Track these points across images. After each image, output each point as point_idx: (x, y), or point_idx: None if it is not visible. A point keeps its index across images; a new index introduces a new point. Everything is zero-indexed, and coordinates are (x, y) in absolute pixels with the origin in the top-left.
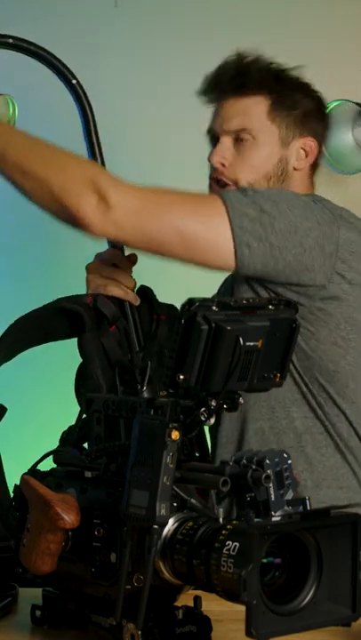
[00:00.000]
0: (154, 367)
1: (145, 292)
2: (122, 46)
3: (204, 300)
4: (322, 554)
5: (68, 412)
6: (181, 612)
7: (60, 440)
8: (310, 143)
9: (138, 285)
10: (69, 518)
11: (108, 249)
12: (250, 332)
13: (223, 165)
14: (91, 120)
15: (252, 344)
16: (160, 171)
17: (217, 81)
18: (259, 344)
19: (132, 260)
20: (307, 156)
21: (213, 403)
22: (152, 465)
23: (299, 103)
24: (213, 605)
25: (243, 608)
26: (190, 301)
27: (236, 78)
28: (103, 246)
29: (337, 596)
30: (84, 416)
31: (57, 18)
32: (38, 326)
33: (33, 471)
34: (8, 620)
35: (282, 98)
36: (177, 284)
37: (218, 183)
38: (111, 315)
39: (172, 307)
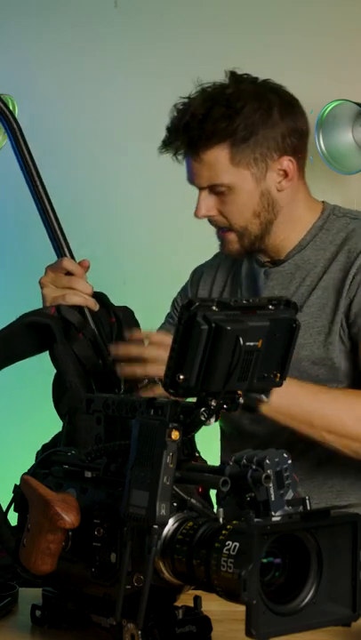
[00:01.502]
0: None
1: (100, 297)
2: (122, 46)
3: (204, 299)
4: (322, 554)
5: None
6: (181, 612)
7: (36, 459)
8: (286, 163)
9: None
10: (69, 518)
11: (60, 259)
12: (250, 332)
13: (212, 216)
14: (22, 142)
15: (252, 344)
16: (160, 170)
17: (170, 143)
18: (259, 344)
19: (85, 265)
20: (287, 176)
21: (213, 403)
22: (152, 465)
23: (258, 129)
24: (213, 605)
25: (243, 608)
26: (190, 301)
27: (186, 142)
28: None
29: (337, 596)
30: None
31: (57, 18)
32: (6, 346)
33: (33, 471)
34: (8, 619)
35: (239, 137)
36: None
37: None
38: (77, 322)
39: (126, 308)
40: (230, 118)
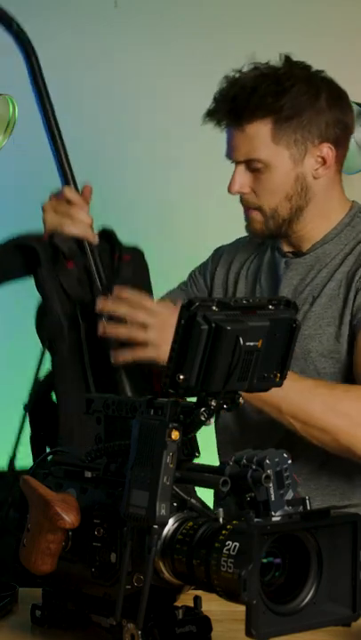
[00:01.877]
0: None
1: (106, 233)
2: (122, 46)
3: (204, 299)
4: (322, 554)
5: None
6: (181, 612)
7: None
8: (326, 150)
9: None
10: (69, 518)
11: (63, 186)
12: (250, 332)
13: (244, 193)
14: (36, 67)
15: (252, 344)
16: (161, 169)
17: (215, 112)
18: (259, 344)
19: (86, 195)
20: (325, 164)
21: (213, 403)
22: (152, 465)
23: (304, 112)
24: (213, 605)
25: (243, 608)
26: (190, 301)
27: (232, 111)
28: None
29: (337, 596)
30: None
31: (57, 18)
32: None
33: (33, 471)
34: (8, 619)
35: (283, 116)
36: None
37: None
38: (68, 251)
39: (135, 248)
40: (278, 95)
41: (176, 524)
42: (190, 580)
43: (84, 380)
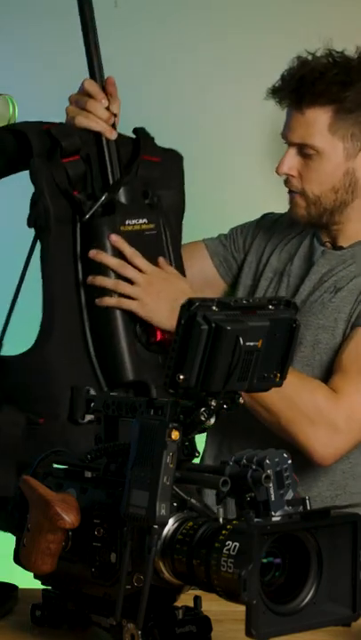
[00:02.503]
0: (122, 202)
1: (137, 133)
2: (122, 46)
3: (204, 299)
4: (322, 554)
5: None
6: (181, 612)
7: None
8: None
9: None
10: (69, 518)
11: (86, 79)
12: (250, 332)
13: (291, 176)
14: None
15: (252, 344)
16: None
17: (279, 90)
18: (259, 344)
19: (109, 88)
20: None
21: (213, 403)
22: (152, 465)
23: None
24: (213, 605)
25: (243, 608)
26: (190, 301)
27: (295, 92)
28: None
29: (337, 596)
30: None
31: (57, 18)
32: None
33: (33, 471)
34: (8, 619)
35: (345, 107)
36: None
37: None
38: (69, 144)
39: (171, 151)
40: (344, 85)
41: (176, 524)
42: (190, 580)
43: (74, 276)
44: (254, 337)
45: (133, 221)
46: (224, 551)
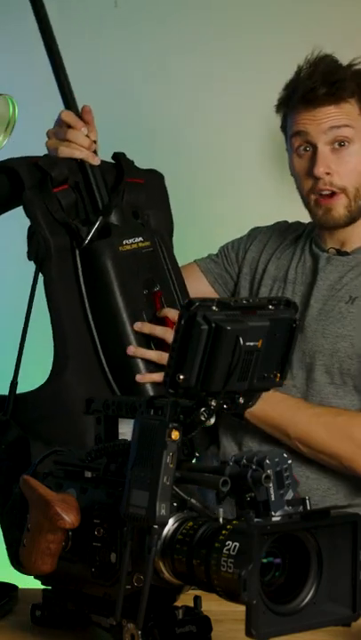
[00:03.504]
0: (116, 223)
1: (117, 157)
2: (122, 46)
3: (204, 299)
4: (322, 554)
5: None
6: (181, 612)
7: None
8: None
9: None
10: (69, 518)
11: (62, 110)
12: (250, 332)
13: (329, 174)
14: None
15: (252, 344)
16: (160, 167)
17: (311, 89)
18: (259, 344)
19: (86, 117)
20: None
21: (213, 403)
22: (152, 465)
23: None
24: (213, 605)
25: (243, 608)
26: (190, 301)
27: (333, 85)
28: None
29: (337, 596)
30: None
31: (57, 18)
32: None
33: (33, 471)
34: (8, 619)
35: None
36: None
37: (322, 195)
38: (58, 174)
39: (152, 171)
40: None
41: (176, 524)
42: (190, 580)
43: (80, 301)
44: (254, 337)
45: (130, 240)
46: (224, 551)
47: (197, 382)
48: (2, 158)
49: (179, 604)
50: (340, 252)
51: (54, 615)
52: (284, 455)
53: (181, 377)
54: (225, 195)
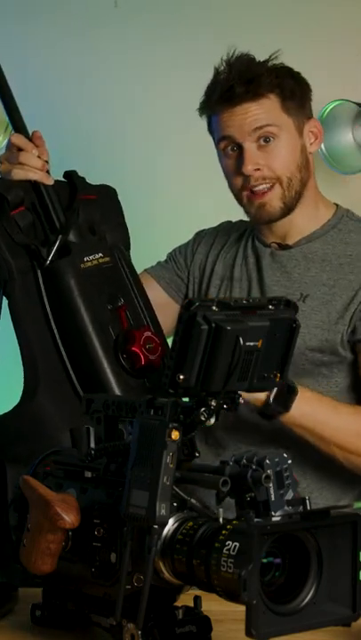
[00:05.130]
0: (74, 241)
1: (69, 176)
2: (122, 46)
3: (204, 299)
4: (322, 554)
5: None
6: (181, 612)
7: None
8: (315, 124)
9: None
10: (69, 518)
11: (12, 135)
12: (250, 332)
13: (258, 170)
14: None
15: (252, 344)
16: (159, 170)
17: (228, 88)
18: (259, 344)
19: (36, 140)
20: (316, 139)
21: (213, 403)
22: (152, 465)
23: (296, 89)
24: (213, 605)
25: (243, 608)
26: (190, 301)
27: (251, 83)
28: None
29: (337, 596)
30: None
31: (57, 18)
32: None
33: (33, 471)
34: (8, 619)
35: (286, 90)
36: None
37: (254, 193)
38: (14, 197)
39: (104, 186)
40: (283, 72)
41: (176, 524)
42: (190, 580)
43: (46, 321)
44: (254, 337)
45: (90, 257)
46: (224, 551)
47: (197, 382)
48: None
49: (179, 604)
50: (282, 246)
51: (54, 615)
52: (284, 455)
53: (181, 377)
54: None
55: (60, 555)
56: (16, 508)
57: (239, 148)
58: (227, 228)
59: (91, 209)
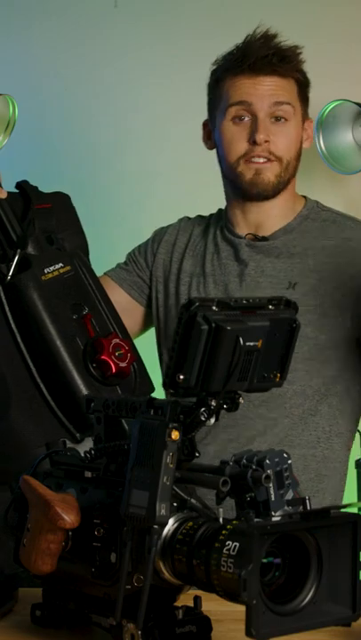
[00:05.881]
0: (33, 253)
1: (21, 186)
2: (122, 46)
3: (204, 299)
4: (322, 554)
5: None
6: (181, 612)
7: None
8: (311, 125)
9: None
10: (69, 518)
11: None
12: (250, 332)
13: (267, 142)
14: None
15: (252, 344)
16: (160, 168)
17: (264, 57)
18: (259, 344)
19: None
20: (308, 138)
21: (213, 403)
22: (152, 465)
23: (308, 83)
24: (213, 605)
25: (243, 608)
26: (190, 301)
27: (284, 60)
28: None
29: (337, 596)
30: None
31: (57, 18)
32: None
33: (33, 471)
34: (8, 619)
35: (303, 79)
36: None
37: (252, 161)
38: None
39: (58, 194)
40: (302, 63)
41: (176, 524)
42: (190, 580)
43: (12, 337)
44: (254, 337)
45: (51, 268)
46: (224, 551)
47: (197, 382)
48: (1, 158)
49: (179, 604)
50: (257, 238)
51: (54, 615)
52: (284, 455)
53: (181, 377)
54: None
55: (60, 555)
56: (16, 508)
57: (253, 117)
58: (187, 224)
59: (46, 218)
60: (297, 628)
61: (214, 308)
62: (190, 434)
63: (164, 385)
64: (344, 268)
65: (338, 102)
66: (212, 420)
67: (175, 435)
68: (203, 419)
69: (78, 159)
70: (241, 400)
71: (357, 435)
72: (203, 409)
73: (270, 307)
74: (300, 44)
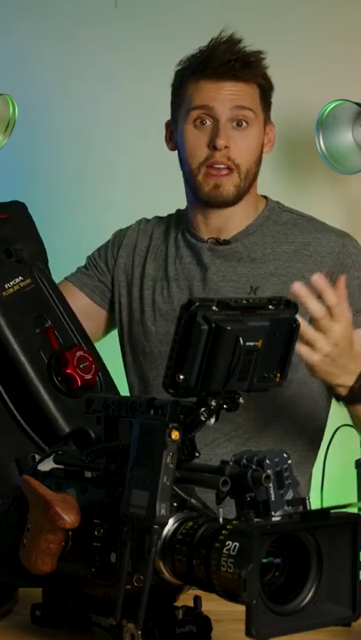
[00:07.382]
0: None
1: None
2: (122, 46)
3: (204, 299)
4: (322, 554)
5: None
6: (181, 612)
7: None
8: (273, 130)
9: None
10: (69, 518)
11: None
12: (250, 332)
13: (227, 148)
14: None
15: (252, 344)
16: (158, 168)
17: (227, 62)
18: (259, 344)
19: None
20: (269, 142)
21: (213, 403)
22: (152, 465)
23: (270, 88)
24: (213, 605)
25: (243, 608)
26: (190, 301)
27: (248, 65)
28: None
29: (337, 596)
30: None
31: (57, 18)
32: None
33: (33, 471)
34: (8, 619)
35: (266, 85)
36: None
37: (214, 169)
38: None
39: (13, 203)
40: (264, 68)
41: (176, 524)
42: (190, 580)
43: None
44: (254, 337)
45: (11, 283)
46: (224, 551)
47: (197, 382)
48: (1, 158)
49: (179, 604)
50: (219, 242)
51: (54, 615)
52: (284, 455)
53: (181, 377)
54: None
55: (60, 555)
56: (16, 508)
57: (214, 121)
58: (146, 226)
59: (4, 229)
60: (297, 627)
61: (214, 307)
62: (190, 434)
63: (164, 385)
64: (303, 272)
65: (338, 102)
66: (212, 420)
67: (175, 435)
68: (203, 419)
69: (79, 156)
70: (241, 400)
71: (357, 435)
72: (203, 409)
73: (270, 307)
74: (298, 46)
